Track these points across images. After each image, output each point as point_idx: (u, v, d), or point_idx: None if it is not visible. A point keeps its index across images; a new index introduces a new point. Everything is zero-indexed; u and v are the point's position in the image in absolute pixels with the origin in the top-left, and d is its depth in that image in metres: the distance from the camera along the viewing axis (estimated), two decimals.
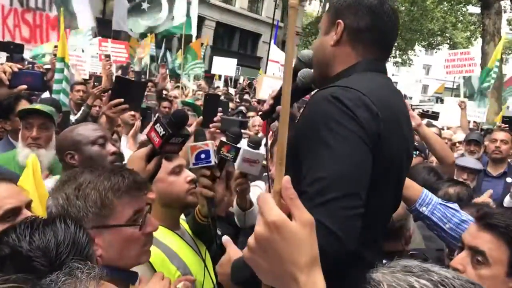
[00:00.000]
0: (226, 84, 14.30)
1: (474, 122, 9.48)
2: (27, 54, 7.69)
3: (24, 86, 2.41)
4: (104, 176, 1.53)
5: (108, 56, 7.11)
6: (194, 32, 11.09)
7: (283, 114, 0.88)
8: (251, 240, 0.88)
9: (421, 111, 6.48)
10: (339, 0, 1.74)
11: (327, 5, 2.03)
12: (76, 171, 1.59)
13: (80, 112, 5.58)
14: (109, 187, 1.51)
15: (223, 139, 2.05)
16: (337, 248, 1.30)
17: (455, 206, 2.04)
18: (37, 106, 3.33)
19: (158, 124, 1.75)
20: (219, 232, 2.83)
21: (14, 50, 6.53)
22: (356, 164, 1.40)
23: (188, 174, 2.15)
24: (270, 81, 9.78)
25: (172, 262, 2.02)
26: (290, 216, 0.86)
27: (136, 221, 1.55)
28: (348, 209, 1.34)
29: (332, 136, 1.41)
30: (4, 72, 2.37)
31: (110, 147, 2.55)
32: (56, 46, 8.00)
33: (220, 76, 12.87)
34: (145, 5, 10.49)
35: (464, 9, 29.55)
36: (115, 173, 1.55)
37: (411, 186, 2.02)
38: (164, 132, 1.72)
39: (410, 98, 13.26)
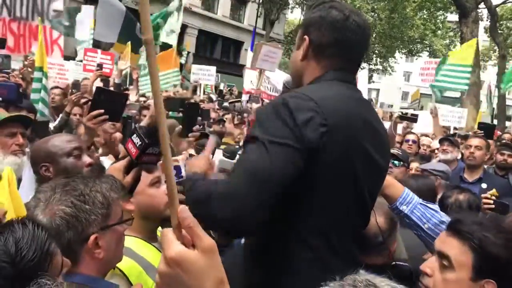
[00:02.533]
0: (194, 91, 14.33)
1: (455, 128, 9.61)
2: (15, 65, 7.59)
3: None
4: (99, 180, 1.61)
5: (100, 66, 7.06)
6: (174, 41, 11.09)
7: (165, 153, 0.89)
8: (157, 277, 0.89)
9: (400, 113, 6.54)
10: (307, 16, 1.80)
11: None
12: (64, 181, 1.60)
13: (58, 119, 5.53)
14: (109, 188, 1.59)
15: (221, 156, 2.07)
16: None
17: (435, 207, 2.08)
18: (11, 114, 3.29)
19: (135, 135, 1.76)
20: None
21: None
22: (278, 167, 1.45)
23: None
24: (269, 49, 9.70)
25: (149, 274, 2.00)
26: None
27: (124, 220, 1.62)
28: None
29: (268, 138, 1.48)
30: None
31: (86, 159, 2.52)
32: (27, 56, 7.95)
33: (200, 85, 12.83)
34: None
35: (442, 17, 30.13)
36: (105, 177, 1.65)
37: (392, 185, 2.06)
38: (140, 143, 1.73)
39: (391, 106, 13.43)
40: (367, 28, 1.75)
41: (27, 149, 3.05)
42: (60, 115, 5.59)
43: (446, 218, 2.02)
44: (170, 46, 11.16)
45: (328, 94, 1.61)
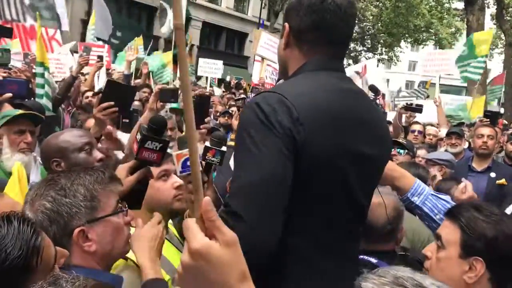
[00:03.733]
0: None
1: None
2: (14, 62, 7.63)
3: (10, 94, 2.41)
4: (84, 172, 1.59)
5: (100, 58, 7.08)
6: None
7: (190, 141, 0.87)
8: (179, 269, 0.89)
9: (405, 104, 6.52)
10: (288, 3, 1.73)
11: None
12: (50, 177, 1.63)
13: (62, 83, 5.67)
14: (94, 180, 1.57)
15: (208, 144, 2.07)
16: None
17: (447, 197, 2.08)
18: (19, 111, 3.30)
19: (138, 133, 1.77)
20: None
21: (2, 34, 6.46)
22: (269, 174, 1.38)
23: (175, 180, 2.14)
24: (269, 37, 9.66)
25: (161, 266, 2.02)
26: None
27: (121, 210, 1.61)
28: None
29: (253, 144, 1.41)
30: None
31: (97, 154, 2.55)
32: (27, 54, 7.98)
33: (207, 78, 12.85)
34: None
35: (447, 4, 29.84)
36: (93, 169, 1.63)
37: (403, 176, 2.06)
38: (140, 137, 1.73)
39: (398, 91, 13.43)
40: (348, 7, 1.63)
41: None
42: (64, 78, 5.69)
43: None
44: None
45: (305, 90, 1.52)
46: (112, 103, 2.71)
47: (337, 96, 1.56)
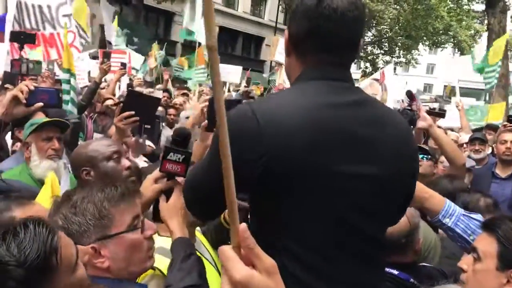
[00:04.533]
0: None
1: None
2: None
3: (41, 104, 2.46)
4: (96, 189, 1.59)
5: (123, 65, 7.17)
6: (202, 40, 11.24)
7: (226, 168, 0.86)
8: None
9: (428, 109, 6.44)
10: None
11: None
12: (67, 192, 1.66)
13: (86, 89, 5.76)
14: (103, 197, 1.56)
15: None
16: None
17: (479, 217, 2.03)
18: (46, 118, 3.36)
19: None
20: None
21: (25, 40, 6.60)
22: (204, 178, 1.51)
23: None
24: None
25: None
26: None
27: (136, 226, 1.60)
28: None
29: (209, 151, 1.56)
30: (21, 91, 2.41)
31: (125, 162, 2.58)
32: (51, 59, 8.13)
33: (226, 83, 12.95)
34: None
35: (467, 6, 29.47)
36: (107, 184, 1.62)
37: (432, 197, 2.01)
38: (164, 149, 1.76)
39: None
40: (348, 9, 1.48)
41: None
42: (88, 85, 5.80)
43: None
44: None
45: (279, 102, 1.45)
46: (133, 112, 2.73)
47: (318, 111, 1.44)
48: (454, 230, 1.98)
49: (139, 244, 1.60)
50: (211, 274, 2.19)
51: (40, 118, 3.25)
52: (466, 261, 1.76)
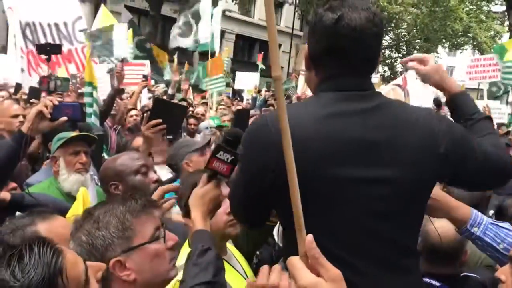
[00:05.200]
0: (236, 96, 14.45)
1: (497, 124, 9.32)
2: None
3: (65, 118, 2.48)
4: (117, 202, 1.61)
5: (145, 76, 7.26)
6: (217, 48, 11.28)
7: (292, 183, 0.91)
8: None
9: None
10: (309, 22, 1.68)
11: None
12: (88, 209, 1.68)
13: (106, 97, 5.94)
14: (125, 210, 1.58)
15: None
16: None
17: (507, 225, 1.98)
18: (74, 133, 3.40)
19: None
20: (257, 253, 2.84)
21: (51, 51, 6.73)
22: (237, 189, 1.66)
23: (227, 205, 2.05)
24: None
25: None
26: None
27: (158, 237, 1.61)
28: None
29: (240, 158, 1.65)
30: (46, 106, 2.44)
31: (153, 175, 2.60)
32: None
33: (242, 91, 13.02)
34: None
35: (486, 7, 29.13)
36: (127, 197, 1.64)
37: (457, 207, 1.95)
38: (213, 147, 1.76)
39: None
40: (367, 27, 1.50)
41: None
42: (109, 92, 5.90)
43: None
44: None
45: (295, 119, 1.39)
46: (160, 120, 2.73)
47: (326, 121, 1.48)
48: (483, 239, 1.93)
49: (162, 254, 1.61)
50: (242, 287, 2.17)
51: (66, 133, 3.29)
52: (504, 272, 1.70)
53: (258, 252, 2.78)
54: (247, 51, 33.03)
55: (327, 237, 1.42)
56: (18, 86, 8.45)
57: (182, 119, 3.22)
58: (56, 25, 8.92)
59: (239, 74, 13.18)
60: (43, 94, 6.05)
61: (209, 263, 1.55)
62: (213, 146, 1.80)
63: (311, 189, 1.42)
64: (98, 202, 1.73)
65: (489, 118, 1.93)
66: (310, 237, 0.89)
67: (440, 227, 2.07)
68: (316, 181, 1.43)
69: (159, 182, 2.57)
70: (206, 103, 9.82)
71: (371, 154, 1.47)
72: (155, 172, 2.69)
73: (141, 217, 1.59)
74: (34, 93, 7.09)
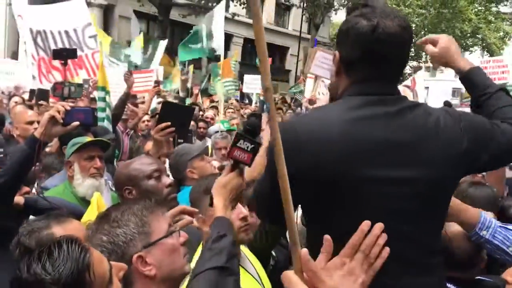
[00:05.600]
0: (245, 99, 14.44)
1: None
2: None
3: (77, 123, 2.52)
4: (132, 202, 1.70)
5: (157, 82, 7.32)
6: (221, 51, 11.31)
7: (287, 210, 0.92)
8: None
9: None
10: (339, 29, 1.69)
11: None
12: (102, 213, 1.73)
13: (117, 101, 6.04)
14: (142, 207, 1.65)
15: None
16: None
17: None
18: (88, 138, 3.45)
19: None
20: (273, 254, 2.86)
21: (67, 56, 6.79)
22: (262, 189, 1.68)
23: (240, 211, 2.10)
24: (324, 55, 9.57)
25: None
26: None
27: (173, 231, 1.67)
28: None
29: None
30: (58, 112, 2.49)
31: (166, 180, 2.62)
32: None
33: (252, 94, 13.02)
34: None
35: (495, 8, 28.92)
36: (139, 199, 1.73)
37: (466, 210, 1.96)
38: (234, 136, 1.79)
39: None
40: (402, 33, 1.56)
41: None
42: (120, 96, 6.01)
43: None
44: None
45: (320, 116, 1.58)
46: (169, 123, 2.76)
47: (349, 124, 1.52)
48: (492, 242, 1.93)
49: (178, 249, 1.67)
50: None
51: (80, 138, 3.33)
52: (510, 272, 1.71)
53: (274, 254, 2.81)
54: (255, 54, 33.05)
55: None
56: (33, 92, 8.55)
57: (190, 121, 3.24)
58: (66, 32, 9.00)
59: (247, 78, 13.19)
60: (52, 99, 6.15)
61: (223, 248, 1.56)
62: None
63: (338, 190, 1.47)
64: (110, 206, 1.77)
65: (503, 89, 1.92)
66: (304, 251, 0.90)
67: (451, 232, 2.08)
68: (342, 182, 1.47)
69: (171, 186, 2.60)
70: (215, 107, 9.85)
71: (396, 155, 1.51)
72: (168, 176, 2.71)
73: (156, 212, 1.66)
74: (41, 95, 7.17)
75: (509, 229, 1.97)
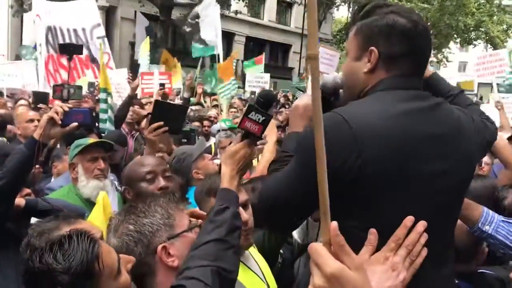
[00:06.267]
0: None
1: None
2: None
3: (75, 124, 2.53)
4: (156, 196, 1.75)
5: (162, 85, 7.35)
6: (220, 51, 11.23)
7: (320, 166, 0.89)
8: None
9: None
10: (369, 25, 1.63)
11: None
12: (128, 205, 1.78)
13: (122, 102, 6.06)
14: (167, 200, 1.69)
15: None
16: None
17: None
18: (91, 140, 3.46)
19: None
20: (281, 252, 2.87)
21: (74, 51, 6.82)
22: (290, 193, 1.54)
23: (242, 216, 2.06)
24: (326, 51, 9.50)
25: None
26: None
27: (193, 226, 1.71)
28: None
29: (296, 161, 1.55)
30: (56, 113, 2.50)
31: (160, 183, 2.60)
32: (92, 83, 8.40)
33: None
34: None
35: (497, 1, 28.76)
36: (161, 194, 1.77)
37: (468, 205, 1.95)
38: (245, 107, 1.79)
39: None
40: (428, 28, 1.67)
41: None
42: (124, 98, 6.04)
43: None
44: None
45: (366, 109, 1.53)
46: (162, 123, 2.74)
47: (399, 116, 1.53)
48: (495, 237, 1.94)
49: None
50: (257, 287, 2.21)
51: (83, 139, 3.35)
52: None
53: (281, 251, 2.84)
54: (257, 52, 33.05)
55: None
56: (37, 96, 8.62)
57: (183, 119, 3.24)
58: (75, 30, 9.05)
59: (248, 76, 13.20)
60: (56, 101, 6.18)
61: (224, 221, 1.60)
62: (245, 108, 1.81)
63: (389, 180, 1.46)
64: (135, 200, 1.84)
65: (463, 91, 2.14)
66: (334, 224, 0.89)
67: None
68: (394, 176, 1.47)
69: (163, 189, 2.56)
70: (217, 106, 9.86)
71: (438, 148, 1.56)
72: (167, 176, 2.68)
73: (179, 207, 1.71)
74: (40, 98, 7.20)
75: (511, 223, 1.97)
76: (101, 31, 9.32)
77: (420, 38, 1.61)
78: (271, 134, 2.96)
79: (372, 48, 1.61)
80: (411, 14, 1.62)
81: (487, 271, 2.41)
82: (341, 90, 1.90)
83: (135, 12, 22.56)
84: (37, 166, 2.59)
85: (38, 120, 4.93)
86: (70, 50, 6.72)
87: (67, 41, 8.89)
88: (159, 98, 6.92)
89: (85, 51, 9.09)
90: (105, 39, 9.43)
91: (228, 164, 1.77)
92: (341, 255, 0.89)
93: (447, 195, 1.60)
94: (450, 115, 1.65)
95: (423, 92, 1.66)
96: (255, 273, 2.25)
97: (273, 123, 3.05)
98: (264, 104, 1.79)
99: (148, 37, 11.65)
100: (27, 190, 2.82)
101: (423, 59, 1.66)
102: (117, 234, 1.65)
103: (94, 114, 2.87)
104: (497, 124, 7.97)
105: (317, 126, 0.88)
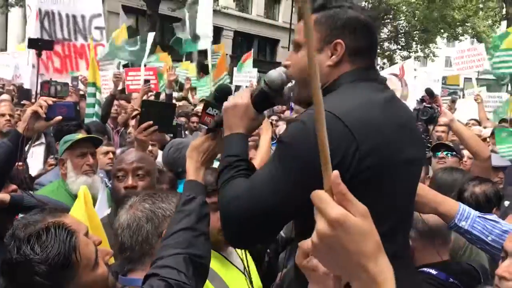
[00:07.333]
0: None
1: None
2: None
3: (59, 118, 2.54)
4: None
5: (147, 81, 7.30)
6: (208, 46, 11.14)
7: (316, 101, 0.88)
8: (314, 239, 0.88)
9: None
10: (331, 17, 1.62)
11: None
12: (148, 191, 1.96)
13: (104, 101, 6.07)
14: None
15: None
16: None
17: (494, 217, 2.03)
18: (80, 135, 3.46)
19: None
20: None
21: (43, 47, 6.70)
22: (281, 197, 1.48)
23: None
24: None
25: (212, 283, 2.04)
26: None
27: None
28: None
29: (283, 158, 1.50)
30: (41, 107, 2.50)
31: (129, 182, 2.60)
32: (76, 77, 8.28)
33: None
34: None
35: None
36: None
37: (444, 202, 1.99)
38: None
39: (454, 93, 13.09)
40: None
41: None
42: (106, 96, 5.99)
43: (508, 227, 1.98)
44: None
45: (353, 103, 1.52)
46: (151, 122, 2.75)
47: (380, 105, 1.56)
48: (472, 233, 1.97)
49: None
50: (242, 284, 2.24)
51: (72, 135, 3.34)
52: (506, 269, 1.71)
53: (268, 250, 2.88)
54: (246, 47, 32.98)
55: (390, 219, 1.53)
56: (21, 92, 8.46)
57: (172, 117, 3.26)
58: (74, 17, 8.85)
59: (236, 70, 13.18)
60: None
61: (192, 211, 1.63)
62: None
63: (385, 170, 1.49)
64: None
65: None
66: (336, 173, 0.86)
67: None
68: (388, 162, 1.50)
69: (129, 188, 2.57)
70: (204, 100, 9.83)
71: (407, 136, 1.62)
72: (139, 175, 2.64)
73: None
74: (25, 94, 7.12)
75: (487, 219, 2.00)
76: (101, 21, 9.13)
77: (375, 33, 1.71)
78: (265, 134, 2.97)
79: (339, 41, 1.60)
80: (364, 10, 1.75)
81: (463, 262, 2.48)
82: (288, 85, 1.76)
83: (122, 6, 22.34)
84: (19, 163, 2.58)
85: (10, 115, 4.91)
86: (38, 45, 6.61)
87: (65, 28, 8.70)
88: (145, 95, 6.92)
89: (81, 40, 8.90)
90: (104, 30, 9.26)
91: (192, 158, 1.82)
92: (345, 203, 0.86)
93: (416, 181, 1.74)
94: (403, 105, 1.75)
95: (381, 84, 1.70)
96: (237, 268, 2.28)
97: (267, 122, 3.05)
98: (220, 98, 1.84)
99: (124, 24, 11.39)
100: (14, 186, 2.82)
101: (376, 53, 1.75)
102: (131, 210, 1.77)
103: (78, 108, 2.87)
104: (476, 117, 8.10)
105: (319, 120, 0.88)
